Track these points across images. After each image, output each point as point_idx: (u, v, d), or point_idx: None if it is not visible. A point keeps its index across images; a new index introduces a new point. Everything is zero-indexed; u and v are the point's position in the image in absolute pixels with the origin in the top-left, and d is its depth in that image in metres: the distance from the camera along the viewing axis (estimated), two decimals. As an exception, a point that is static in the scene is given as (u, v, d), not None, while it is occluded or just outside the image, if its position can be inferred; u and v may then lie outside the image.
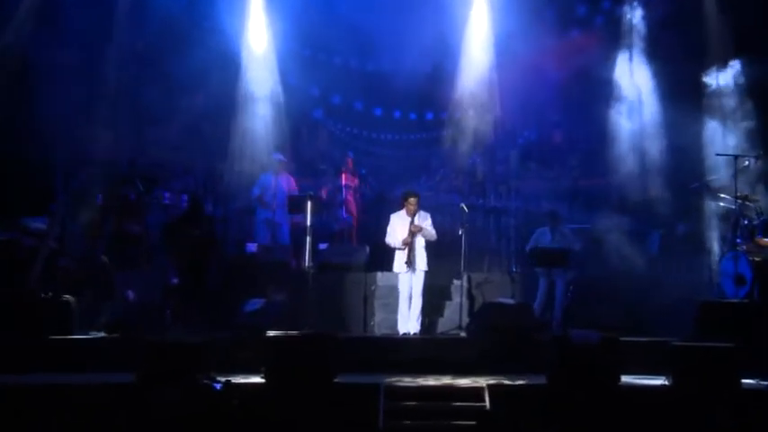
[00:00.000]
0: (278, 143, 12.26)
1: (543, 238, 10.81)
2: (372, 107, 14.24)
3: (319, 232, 11.99)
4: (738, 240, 10.13)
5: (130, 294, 10.00)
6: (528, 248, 10.86)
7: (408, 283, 9.85)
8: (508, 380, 8.13)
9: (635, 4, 12.26)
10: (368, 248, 11.17)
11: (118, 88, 11.38)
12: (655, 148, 11.78)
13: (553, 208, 11.39)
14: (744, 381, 7.82)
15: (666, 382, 7.87)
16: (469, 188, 12.93)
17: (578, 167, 12.94)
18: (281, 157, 11.98)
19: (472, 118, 12.45)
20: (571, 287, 10.48)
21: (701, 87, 11.60)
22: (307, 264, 9.87)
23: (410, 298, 9.87)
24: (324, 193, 12.36)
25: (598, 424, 7.44)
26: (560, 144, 13.48)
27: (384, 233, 10.10)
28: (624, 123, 12.03)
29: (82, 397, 7.48)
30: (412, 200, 9.93)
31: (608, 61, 12.19)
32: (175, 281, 10.10)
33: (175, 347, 7.68)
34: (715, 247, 10.99)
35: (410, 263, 9.76)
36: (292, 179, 12.05)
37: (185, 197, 11.37)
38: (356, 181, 12.77)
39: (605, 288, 10.28)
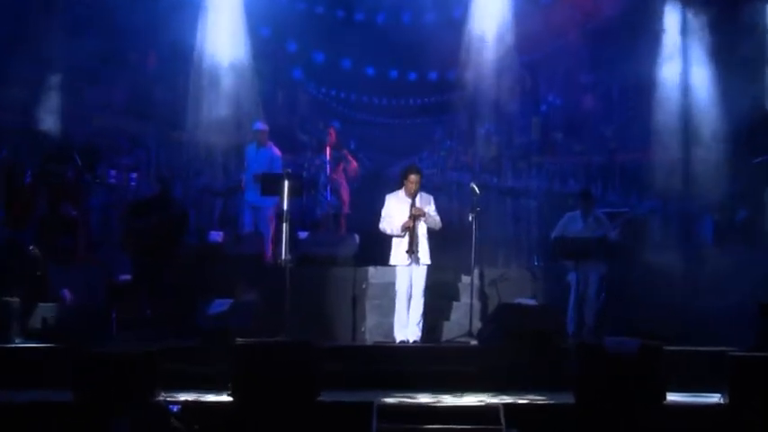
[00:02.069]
0: (249, 110, 12.23)
1: (573, 224, 10.80)
2: (363, 66, 14.24)
3: (299, 218, 12.00)
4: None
5: (67, 294, 9.97)
6: (553, 237, 10.87)
7: (407, 279, 9.84)
8: (528, 398, 8.12)
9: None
10: (357, 237, 11.18)
11: (47, 39, 11.30)
12: (708, 115, 11.80)
13: (585, 187, 11.38)
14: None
15: (721, 401, 7.88)
16: (482, 164, 12.94)
17: (614, 139, 12.97)
18: (261, 125, 11.97)
19: (485, 79, 12.43)
20: (605, 284, 10.49)
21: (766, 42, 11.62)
22: (284, 256, 9.85)
23: (409, 298, 9.86)
24: (305, 171, 12.37)
25: (638, 451, 7.47)
26: (592, 111, 13.49)
27: (377, 218, 10.09)
28: (671, 86, 12.03)
29: (5, 419, 7.46)
30: (413, 177, 9.90)
31: (653, 8, 12.16)
32: (124, 277, 10.07)
33: (122, 359, 7.65)
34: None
35: (412, 251, 9.75)
36: (277, 150, 11.98)
37: (135, 175, 11.35)
38: (344, 156, 12.78)
39: (646, 286, 10.29)
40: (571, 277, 10.56)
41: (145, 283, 9.97)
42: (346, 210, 12.58)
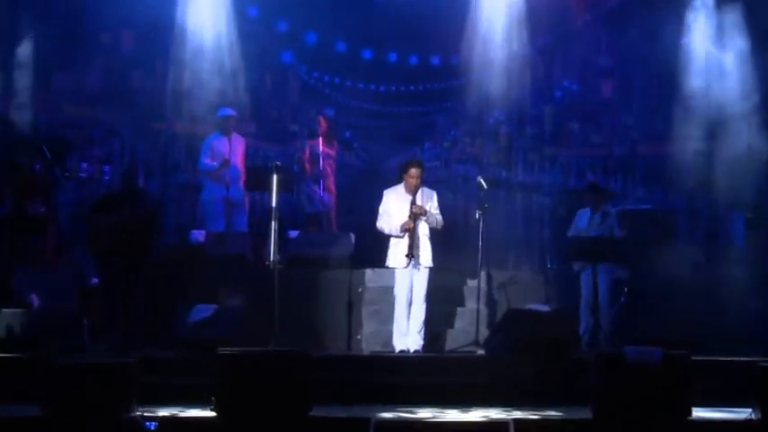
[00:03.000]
0: (233, 97, 12.23)
1: (580, 221, 10.84)
2: (359, 48, 14.22)
3: (288, 216, 11.98)
4: None
5: (34, 299, 9.96)
6: (570, 235, 10.89)
7: (408, 283, 9.84)
8: (541, 413, 8.10)
9: None
10: (353, 237, 11.16)
11: (10, 19, 11.29)
12: (742, 102, 11.78)
13: (593, 180, 11.38)
14: None
15: (752, 416, 7.89)
16: (490, 157, 12.94)
17: (636, 129, 12.95)
18: (229, 111, 11.94)
19: (493, 63, 12.42)
20: (626, 289, 10.49)
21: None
22: (272, 258, 9.84)
23: (410, 303, 9.86)
24: (296, 164, 12.35)
25: (661, 472, 7.49)
26: (611, 98, 13.49)
27: (375, 216, 10.09)
28: (698, 68, 12.02)
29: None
30: (413, 171, 9.89)
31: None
32: (95, 281, 10.07)
33: (95, 371, 7.65)
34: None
35: (412, 255, 9.75)
36: (243, 140, 12.02)
37: (108, 168, 11.34)
38: (336, 147, 12.79)
39: (670, 290, 10.31)
40: (582, 280, 10.57)
41: (116, 288, 9.95)
42: (333, 201, 12.55)
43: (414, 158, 10.36)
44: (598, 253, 10.37)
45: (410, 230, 9.78)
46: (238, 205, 11.77)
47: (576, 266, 10.62)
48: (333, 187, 12.54)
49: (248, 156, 12.27)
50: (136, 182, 10.72)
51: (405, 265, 9.81)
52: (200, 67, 12.15)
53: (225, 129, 11.82)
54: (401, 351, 9.80)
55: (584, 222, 10.76)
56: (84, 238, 10.32)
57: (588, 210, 10.82)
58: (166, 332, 9.55)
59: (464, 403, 8.49)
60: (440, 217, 9.96)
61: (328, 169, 12.52)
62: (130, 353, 8.63)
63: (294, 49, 14.11)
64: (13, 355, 9.13)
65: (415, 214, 9.79)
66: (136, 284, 10.01)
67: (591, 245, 10.40)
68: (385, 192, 10.08)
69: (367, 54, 14.24)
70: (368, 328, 10.48)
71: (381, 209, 10.00)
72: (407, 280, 9.85)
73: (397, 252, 9.88)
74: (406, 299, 9.85)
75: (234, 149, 11.74)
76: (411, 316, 9.85)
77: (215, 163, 11.73)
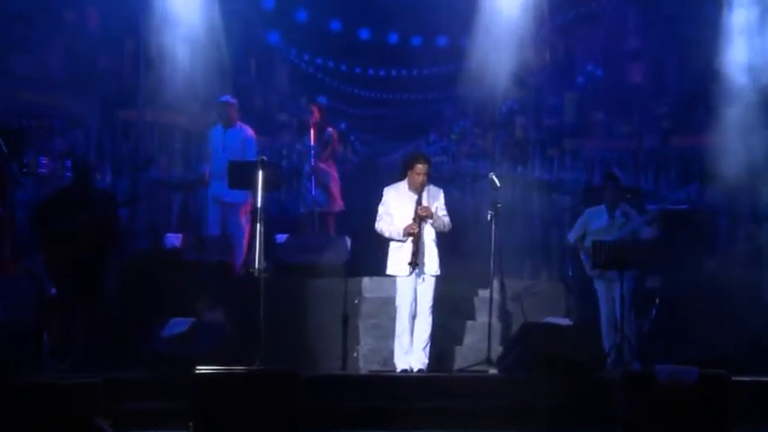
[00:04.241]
0: (214, 83, 12.24)
1: (596, 221, 10.81)
2: (356, 28, 14.24)
3: (277, 217, 12.00)
4: None
5: (-11, 311, 9.99)
6: (572, 239, 10.88)
7: (411, 293, 9.84)
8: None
9: None
10: (349, 241, 11.23)
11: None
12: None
13: (612, 171, 11.39)
14: None
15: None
16: (503, 150, 12.97)
17: (669, 118, 12.97)
18: (229, 98, 11.99)
19: (507, 44, 12.44)
20: (657, 300, 10.50)
21: None
22: (257, 264, 9.86)
23: (413, 316, 9.87)
24: (284, 159, 12.40)
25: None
26: (642, 83, 13.50)
27: (374, 217, 10.10)
28: (740, 52, 12.03)
29: None
30: (419, 167, 9.89)
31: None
32: (54, 291, 10.08)
33: (56, 392, 7.65)
34: None
35: (416, 262, 9.77)
36: (249, 131, 12.01)
37: (70, 163, 11.35)
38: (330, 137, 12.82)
39: (708, 301, 10.33)
40: (599, 289, 10.57)
41: (75, 299, 9.96)
42: (337, 207, 12.58)
43: (419, 152, 10.36)
44: (623, 259, 10.35)
45: (414, 234, 9.78)
46: (235, 206, 11.76)
47: (594, 272, 10.62)
48: (332, 185, 12.54)
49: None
50: (92, 178, 10.71)
51: (407, 273, 9.82)
52: (177, 48, 12.16)
53: (226, 118, 11.87)
54: (403, 370, 9.82)
55: (600, 223, 10.73)
56: (39, 242, 10.31)
57: (603, 208, 10.80)
58: (136, 349, 9.57)
59: (474, 429, 8.53)
60: (447, 219, 9.96)
61: (322, 165, 12.53)
62: (97, 372, 8.60)
63: (282, 29, 14.12)
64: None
65: (421, 216, 9.80)
66: (98, 296, 10.03)
67: (615, 249, 10.37)
68: (385, 190, 10.08)
69: (365, 34, 14.25)
70: (365, 344, 10.51)
71: (382, 209, 10.01)
72: (410, 290, 9.85)
73: (398, 258, 9.87)
74: (408, 311, 9.86)
75: (228, 143, 11.76)
76: (414, 331, 9.87)
77: (205, 164, 11.85)
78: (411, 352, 9.85)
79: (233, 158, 11.43)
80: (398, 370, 9.84)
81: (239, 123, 11.93)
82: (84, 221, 9.98)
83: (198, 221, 12.40)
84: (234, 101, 11.96)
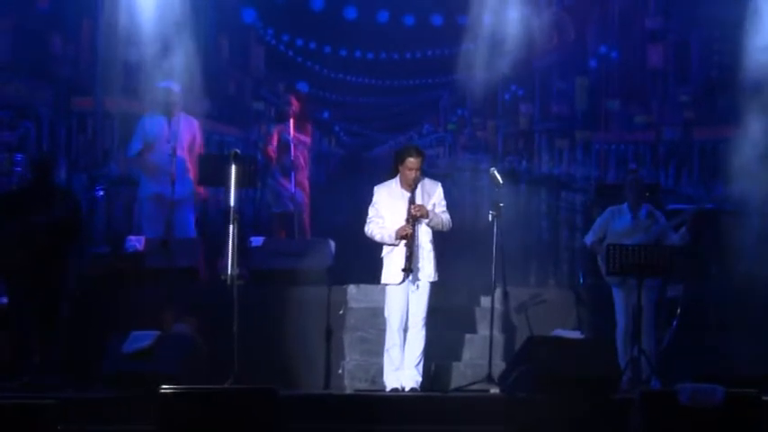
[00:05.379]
0: (180, 66, 12.25)
1: (618, 221, 10.81)
2: (341, 6, 14.25)
3: (252, 218, 11.99)
4: None
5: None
6: (590, 241, 10.89)
7: (403, 303, 9.82)
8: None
9: None
10: (333, 245, 11.23)
11: None
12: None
13: (635, 167, 11.42)
14: None
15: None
16: (506, 142, 12.99)
17: (692, 107, 13.01)
18: (173, 85, 11.97)
19: (510, 24, 12.47)
20: (678, 310, 10.52)
21: None
22: (229, 271, 9.86)
23: (405, 329, 9.86)
24: (260, 152, 12.39)
25: None
26: (662, 68, 13.54)
27: (361, 217, 10.10)
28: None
29: None
30: (411, 161, 9.88)
31: None
32: (5, 300, 10.07)
33: (7, 415, 7.65)
34: None
35: (410, 268, 9.76)
36: (196, 123, 12.07)
37: (21, 158, 11.35)
38: (311, 131, 12.83)
39: (735, 312, 10.36)
40: (616, 298, 10.57)
41: (29, 311, 9.95)
42: (307, 200, 12.59)
43: (411, 145, 10.34)
44: (643, 265, 10.35)
45: (408, 237, 9.78)
46: (183, 204, 11.75)
47: (613, 280, 10.62)
48: (306, 182, 12.57)
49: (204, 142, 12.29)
50: (51, 176, 10.70)
51: (399, 280, 9.81)
52: (138, 28, 12.15)
53: (165, 107, 11.83)
54: (393, 389, 9.79)
55: (623, 223, 10.73)
56: None
57: (626, 207, 10.80)
58: (94, 366, 9.56)
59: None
60: (447, 216, 9.92)
61: (301, 160, 12.56)
62: (52, 392, 8.61)
63: (258, 6, 14.12)
64: None
65: (414, 216, 9.79)
66: (53, 307, 10.01)
67: (634, 254, 10.37)
68: (376, 189, 10.06)
69: (351, 13, 14.25)
70: (351, 360, 10.50)
71: (372, 212, 9.99)
72: (402, 299, 9.82)
73: (390, 264, 9.86)
74: (399, 323, 9.83)
75: (178, 134, 11.73)
76: (406, 345, 9.84)
77: (139, 148, 11.79)
78: (402, 369, 9.82)
79: (181, 153, 11.51)
80: (388, 389, 9.82)
81: (184, 115, 11.91)
82: (43, 223, 9.97)
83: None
84: (178, 88, 11.92)
